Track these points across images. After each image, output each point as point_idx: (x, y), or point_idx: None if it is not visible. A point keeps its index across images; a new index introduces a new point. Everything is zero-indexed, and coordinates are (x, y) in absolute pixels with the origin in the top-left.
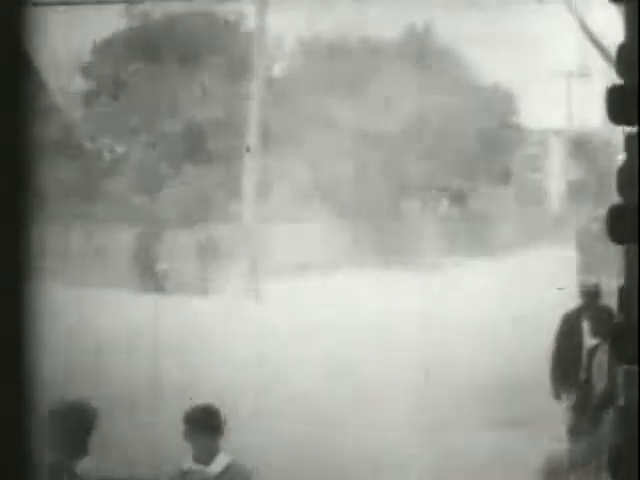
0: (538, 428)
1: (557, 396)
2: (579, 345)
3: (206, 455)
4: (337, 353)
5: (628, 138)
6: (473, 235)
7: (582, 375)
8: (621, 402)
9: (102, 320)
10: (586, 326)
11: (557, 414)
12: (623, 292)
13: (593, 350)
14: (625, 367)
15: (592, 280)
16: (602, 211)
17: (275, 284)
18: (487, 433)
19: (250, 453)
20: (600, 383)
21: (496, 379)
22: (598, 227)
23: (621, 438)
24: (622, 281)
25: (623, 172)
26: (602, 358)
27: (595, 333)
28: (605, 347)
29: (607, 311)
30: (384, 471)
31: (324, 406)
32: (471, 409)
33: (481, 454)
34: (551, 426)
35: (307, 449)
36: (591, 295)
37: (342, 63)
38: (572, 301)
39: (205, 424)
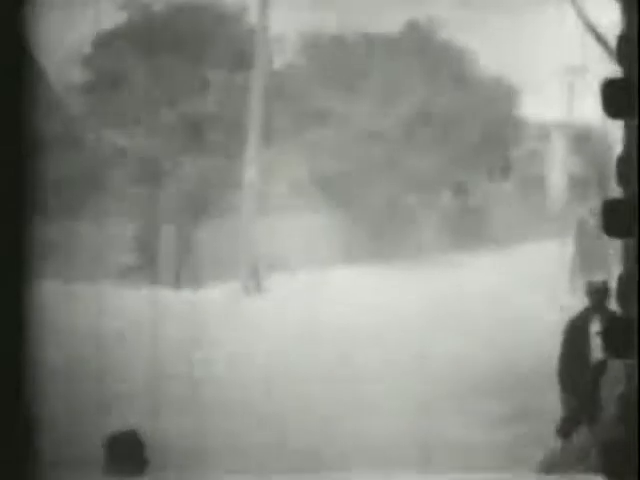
0: (536, 423)
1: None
2: (586, 357)
3: None
4: (336, 349)
5: (627, 129)
6: (474, 230)
7: (587, 394)
8: (619, 394)
9: (102, 315)
10: (594, 331)
11: (556, 410)
12: (621, 285)
13: (601, 366)
14: (624, 360)
15: (588, 276)
16: (599, 204)
17: (275, 279)
18: (485, 429)
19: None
20: (610, 406)
21: (497, 375)
22: (595, 222)
23: (619, 431)
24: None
25: (622, 163)
26: (612, 376)
27: (605, 345)
28: (615, 364)
29: (617, 318)
30: (382, 465)
31: (324, 404)
32: (470, 405)
33: (480, 449)
34: (549, 421)
35: (307, 443)
36: (600, 293)
37: (343, 57)
38: (572, 297)
39: (127, 452)
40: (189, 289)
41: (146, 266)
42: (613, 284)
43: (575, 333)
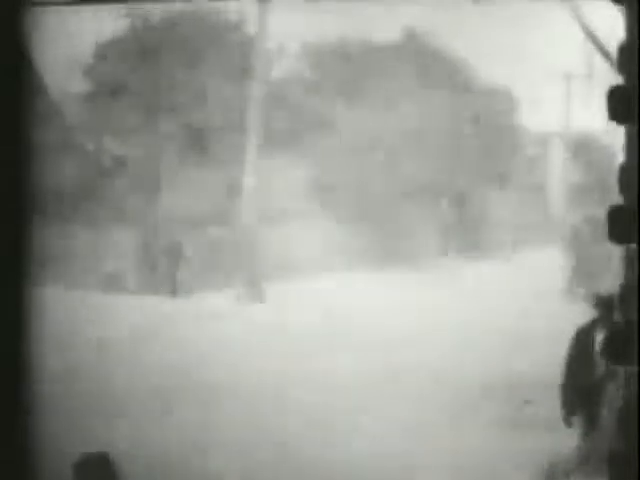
0: (535, 429)
1: (568, 423)
2: (591, 368)
3: None
4: (336, 354)
5: (629, 137)
6: (472, 237)
7: (591, 407)
8: (620, 402)
9: (103, 323)
10: (598, 345)
11: (556, 415)
12: (622, 292)
13: (604, 378)
14: (624, 367)
15: (585, 283)
16: (594, 212)
17: (274, 285)
18: (482, 434)
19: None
20: (611, 414)
21: (497, 380)
22: (589, 229)
23: (621, 440)
24: (619, 281)
25: (624, 171)
26: (614, 390)
27: (606, 352)
28: (618, 377)
29: (618, 325)
30: (390, 471)
31: (326, 407)
32: (469, 410)
33: (480, 455)
34: (551, 427)
35: (310, 451)
36: (607, 306)
37: (342, 65)
38: (571, 303)
39: (97, 475)
40: (188, 297)
41: (145, 274)
42: (612, 290)
43: (581, 345)
